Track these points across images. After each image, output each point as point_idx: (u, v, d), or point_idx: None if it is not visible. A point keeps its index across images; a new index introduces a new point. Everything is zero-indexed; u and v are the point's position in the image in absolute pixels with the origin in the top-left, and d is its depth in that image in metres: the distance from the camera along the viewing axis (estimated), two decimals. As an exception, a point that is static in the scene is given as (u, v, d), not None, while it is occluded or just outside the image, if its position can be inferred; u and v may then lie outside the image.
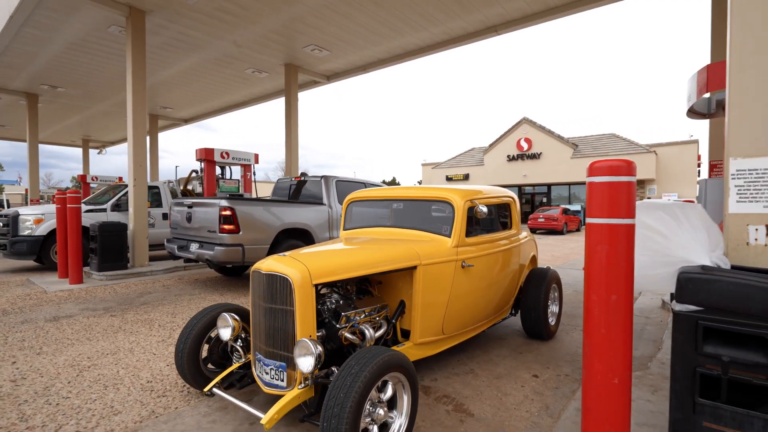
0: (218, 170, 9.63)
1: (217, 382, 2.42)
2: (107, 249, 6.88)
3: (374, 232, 3.31)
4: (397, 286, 2.85)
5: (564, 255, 10.81)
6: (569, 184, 27.73)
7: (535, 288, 3.61)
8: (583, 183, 27.04)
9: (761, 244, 2.17)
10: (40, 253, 7.55)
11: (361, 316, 2.54)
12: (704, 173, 22.49)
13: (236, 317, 2.48)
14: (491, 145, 29.99)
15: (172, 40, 8.83)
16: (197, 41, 8.95)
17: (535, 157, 27.93)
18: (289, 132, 10.36)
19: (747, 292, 1.65)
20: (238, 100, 13.95)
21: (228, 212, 5.24)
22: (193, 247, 5.70)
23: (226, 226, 5.25)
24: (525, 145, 28.24)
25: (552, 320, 3.83)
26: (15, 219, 7.43)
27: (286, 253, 2.40)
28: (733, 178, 2.27)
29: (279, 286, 2.18)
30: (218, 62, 10.31)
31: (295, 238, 5.97)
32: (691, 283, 1.78)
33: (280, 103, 12.32)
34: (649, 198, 22.54)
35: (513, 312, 3.84)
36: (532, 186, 29.25)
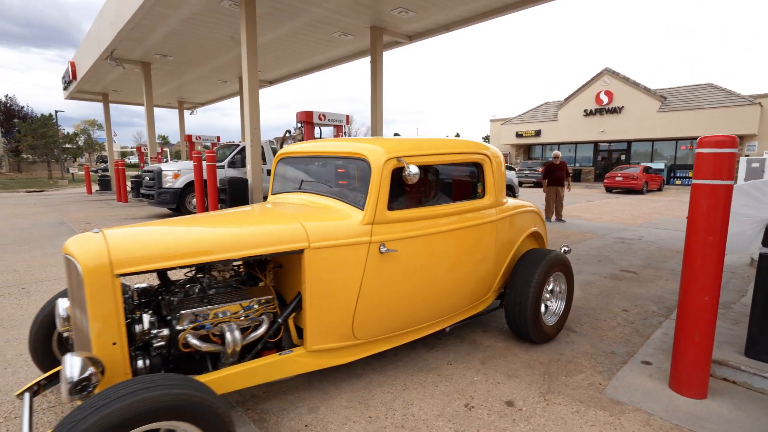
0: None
1: (33, 385, 1.90)
2: (235, 199, 8.23)
3: (291, 198, 2.71)
4: (299, 272, 2.18)
5: (644, 214, 10.73)
6: (652, 140, 25.84)
7: (525, 276, 2.79)
8: (670, 139, 25.09)
9: None
10: (178, 202, 9.15)
11: (226, 313, 1.99)
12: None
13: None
14: (567, 99, 28.41)
15: (273, 9, 9.62)
16: (294, 9, 9.66)
17: (615, 111, 26.15)
18: (375, 93, 10.99)
19: (824, 239, 2.14)
20: (319, 62, 14.69)
21: (341, 170, 6.15)
22: (311, 199, 6.76)
23: (341, 182, 6.18)
24: (605, 99, 26.45)
25: (551, 320, 2.99)
26: (159, 174, 9.01)
27: (100, 229, 1.81)
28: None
29: (74, 274, 1.68)
30: (309, 27, 10.99)
31: (395, 193, 6.79)
32: (776, 232, 2.29)
33: (347, 65, 12.84)
34: (747, 156, 20.58)
35: (503, 303, 3.06)
36: (609, 143, 27.63)
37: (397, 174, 2.27)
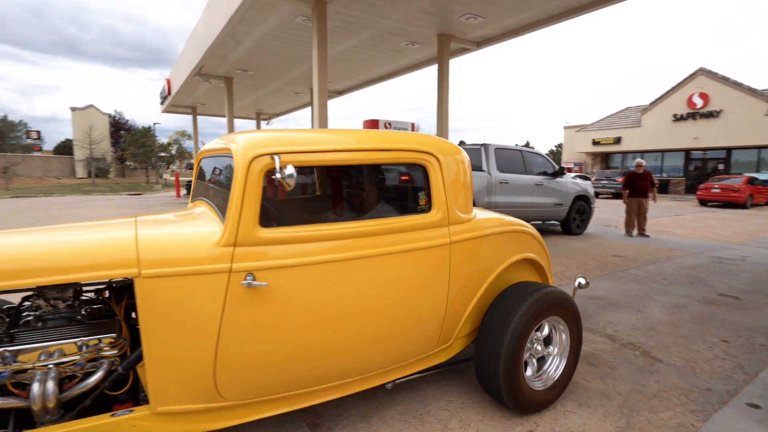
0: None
1: None
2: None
3: (197, 205, 2.24)
4: None
5: (748, 232, 9.39)
6: (759, 147, 22.73)
7: (499, 322, 2.09)
8: (781, 146, 21.89)
9: None
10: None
11: (55, 354, 1.54)
12: None
13: None
14: (653, 104, 26.04)
15: (343, 23, 9.96)
16: (364, 21, 9.93)
17: (712, 115, 23.43)
18: (441, 101, 10.90)
19: None
20: (387, 72, 14.93)
21: (406, 177, 6.13)
22: (373, 206, 6.83)
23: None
24: (699, 102, 23.82)
25: (539, 384, 2.21)
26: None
27: None
28: None
29: None
30: (377, 38, 11.23)
31: (459, 201, 6.64)
32: None
33: (415, 74, 12.79)
34: None
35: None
36: (703, 150, 24.78)
37: (271, 176, 1.66)
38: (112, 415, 1.56)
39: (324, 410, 2.21)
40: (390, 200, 2.14)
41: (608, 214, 12.73)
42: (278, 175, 1.56)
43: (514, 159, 7.47)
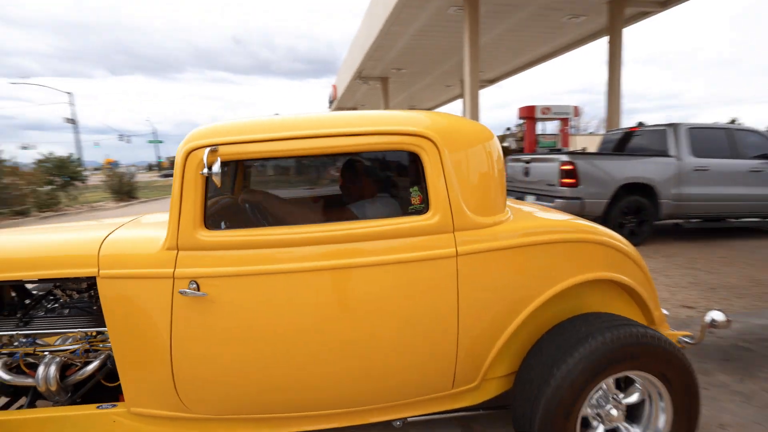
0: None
1: None
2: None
3: None
4: None
5: None
6: None
7: (542, 365, 1.54)
8: None
9: None
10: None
11: (68, 340, 1.72)
12: None
13: None
14: None
15: (497, 6, 9.51)
16: (519, 1, 9.29)
17: None
18: (613, 78, 9.47)
19: None
20: (544, 52, 13.74)
21: (569, 167, 5.50)
22: (530, 198, 6.35)
23: (566, 180, 5.54)
24: None
25: None
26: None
27: None
28: None
29: None
30: (534, 17, 10.39)
31: (637, 193, 5.65)
32: None
33: (576, 52, 11.30)
34: None
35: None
36: None
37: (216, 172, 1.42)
38: (98, 407, 1.62)
39: (479, 415, 2.13)
40: (374, 198, 1.81)
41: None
42: (205, 171, 1.39)
43: (716, 140, 5.97)
